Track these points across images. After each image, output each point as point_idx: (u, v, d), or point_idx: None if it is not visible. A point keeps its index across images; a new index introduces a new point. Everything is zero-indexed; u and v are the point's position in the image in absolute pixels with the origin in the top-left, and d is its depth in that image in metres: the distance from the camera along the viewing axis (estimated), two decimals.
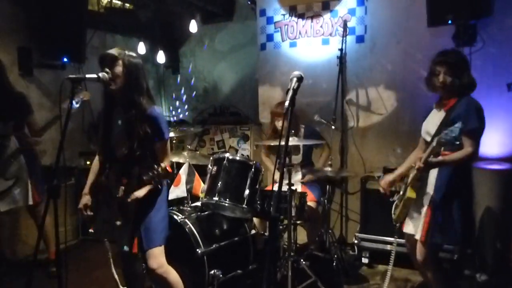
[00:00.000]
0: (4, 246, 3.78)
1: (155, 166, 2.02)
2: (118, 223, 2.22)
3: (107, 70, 2.20)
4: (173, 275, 2.46)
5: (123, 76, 2.25)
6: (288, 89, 1.92)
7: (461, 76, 2.48)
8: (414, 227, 2.62)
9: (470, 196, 2.65)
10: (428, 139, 2.62)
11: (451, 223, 2.47)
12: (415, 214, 2.62)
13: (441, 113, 2.58)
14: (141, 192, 2.23)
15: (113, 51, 2.25)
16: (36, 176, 3.43)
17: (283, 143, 1.90)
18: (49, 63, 4.30)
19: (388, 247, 3.44)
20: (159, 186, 2.23)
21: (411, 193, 2.54)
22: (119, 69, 2.24)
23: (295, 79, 1.95)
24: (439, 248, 2.94)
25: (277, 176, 2.06)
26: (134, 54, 2.33)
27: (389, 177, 2.81)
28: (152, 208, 2.37)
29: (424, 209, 2.54)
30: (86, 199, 2.42)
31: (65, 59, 4.20)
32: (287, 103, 1.87)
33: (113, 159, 2.36)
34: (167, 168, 2.04)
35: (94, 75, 2.18)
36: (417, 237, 2.55)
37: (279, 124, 3.46)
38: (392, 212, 2.84)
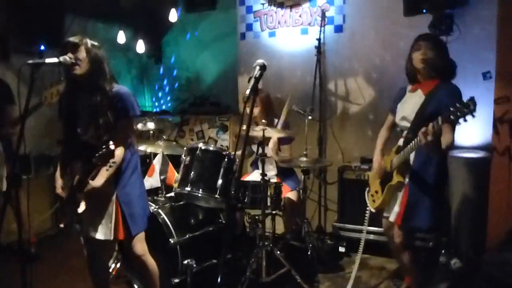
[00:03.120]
0: None
1: (103, 148, 2.02)
2: (81, 209, 2.19)
3: (70, 55, 2.18)
4: (152, 262, 2.53)
5: (86, 61, 2.23)
6: (250, 77, 1.90)
7: (442, 56, 2.50)
8: (390, 210, 2.66)
9: (444, 183, 2.69)
10: (404, 123, 2.63)
11: (426, 207, 2.51)
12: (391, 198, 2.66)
13: (419, 96, 2.56)
14: (98, 181, 2.21)
15: (74, 38, 2.23)
16: (12, 163, 3.40)
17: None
18: (27, 50, 4.21)
19: (371, 236, 3.49)
20: (109, 167, 2.18)
21: (398, 177, 2.57)
22: (82, 54, 2.22)
23: (258, 67, 1.94)
24: (415, 231, 2.99)
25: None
26: (96, 44, 2.31)
27: (378, 160, 2.80)
28: (135, 192, 2.40)
29: (401, 193, 2.57)
30: (60, 182, 2.39)
31: (43, 46, 4.13)
32: (247, 92, 1.86)
33: (78, 146, 2.33)
34: (110, 145, 2.02)
35: (55, 59, 2.14)
36: (392, 219, 2.60)
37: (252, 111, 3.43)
38: (370, 201, 2.85)
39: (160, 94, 5.72)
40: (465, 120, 1.97)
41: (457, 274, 3.26)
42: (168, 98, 5.65)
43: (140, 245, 2.43)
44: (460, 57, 3.46)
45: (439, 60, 2.49)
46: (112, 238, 2.32)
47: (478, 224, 3.33)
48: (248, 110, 3.36)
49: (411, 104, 2.60)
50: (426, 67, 2.51)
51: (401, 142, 2.66)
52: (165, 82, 5.68)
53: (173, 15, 4.67)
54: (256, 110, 3.40)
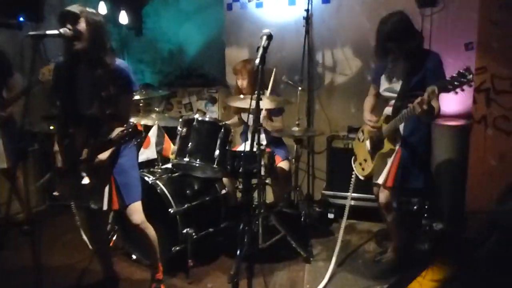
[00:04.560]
0: None
1: (125, 126, 2.02)
2: (86, 181, 2.21)
3: (69, 26, 2.13)
4: (151, 230, 2.58)
5: (86, 34, 2.18)
6: (258, 47, 1.93)
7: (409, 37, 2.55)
8: (378, 175, 2.78)
9: (430, 148, 2.83)
10: (390, 93, 2.71)
11: (419, 170, 2.68)
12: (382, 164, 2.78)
13: (403, 66, 2.63)
14: (104, 155, 2.22)
15: (74, 9, 2.17)
16: (10, 139, 3.34)
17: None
18: (4, 22, 4.04)
19: (352, 202, 3.64)
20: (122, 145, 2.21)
21: (390, 145, 2.69)
22: (82, 26, 2.16)
23: (265, 37, 1.97)
24: (402, 193, 3.13)
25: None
26: (95, 11, 2.26)
27: (370, 117, 2.83)
28: (128, 164, 2.41)
29: (391, 158, 2.70)
30: (61, 155, 2.37)
31: (21, 18, 3.98)
32: (257, 61, 1.89)
33: (78, 120, 2.31)
34: (138, 126, 2.03)
35: (56, 31, 2.09)
36: (380, 181, 2.73)
37: (240, 82, 3.47)
38: (359, 169, 2.97)
39: (141, 67, 5.62)
40: (462, 90, 2.07)
41: (439, 236, 3.48)
42: (150, 70, 5.56)
43: (137, 215, 2.46)
44: (443, 28, 3.62)
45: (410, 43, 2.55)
46: (106, 208, 2.35)
47: (458, 187, 3.53)
48: (239, 81, 3.45)
49: (395, 74, 2.70)
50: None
51: (387, 111, 2.76)
52: (146, 54, 5.57)
53: None
54: (244, 82, 3.43)
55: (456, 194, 3.52)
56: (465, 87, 2.09)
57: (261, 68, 1.92)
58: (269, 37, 1.97)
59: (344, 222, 3.08)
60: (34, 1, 3.94)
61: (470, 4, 3.50)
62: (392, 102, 2.72)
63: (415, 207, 3.57)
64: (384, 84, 2.79)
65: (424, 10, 3.58)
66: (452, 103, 3.66)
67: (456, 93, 2.11)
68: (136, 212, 2.46)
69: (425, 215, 3.67)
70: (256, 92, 1.96)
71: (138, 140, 2.14)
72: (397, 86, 2.67)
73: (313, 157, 4.19)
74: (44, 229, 3.66)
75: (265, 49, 1.93)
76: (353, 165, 3.06)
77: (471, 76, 2.03)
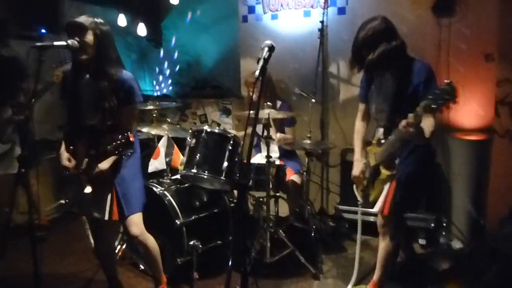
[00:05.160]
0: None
1: (119, 136, 2.01)
2: (88, 190, 2.22)
3: (77, 38, 2.16)
4: (152, 241, 2.56)
5: (93, 46, 2.21)
6: (259, 59, 1.90)
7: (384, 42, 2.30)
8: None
9: (433, 166, 2.59)
10: (380, 112, 2.47)
11: (413, 196, 2.47)
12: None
13: (389, 80, 2.41)
14: (104, 165, 2.23)
15: (82, 20, 2.19)
16: (27, 145, 3.41)
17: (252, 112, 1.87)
18: (26, 34, 4.18)
19: (372, 218, 3.52)
20: (122, 156, 2.20)
21: (386, 172, 2.45)
22: (89, 38, 2.20)
23: (266, 48, 1.94)
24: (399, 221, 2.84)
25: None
26: (102, 21, 2.27)
27: (359, 166, 2.64)
28: (130, 175, 2.40)
29: (388, 183, 2.47)
30: (66, 155, 2.36)
31: (42, 30, 4.12)
32: (257, 73, 1.86)
33: (82, 129, 2.33)
34: (130, 137, 2.02)
35: (63, 42, 2.13)
36: (376, 209, 2.53)
37: (252, 94, 3.44)
38: (363, 195, 2.73)
39: (160, 78, 5.70)
40: (447, 107, 1.90)
41: (458, 255, 3.33)
42: (169, 82, 5.64)
43: (135, 226, 2.43)
44: (462, 39, 3.50)
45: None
46: (107, 218, 2.34)
47: (478, 204, 3.38)
48: (251, 93, 3.42)
49: (382, 89, 2.46)
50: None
51: (379, 132, 2.52)
52: (165, 66, 5.65)
53: None
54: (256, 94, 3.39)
55: (476, 212, 3.37)
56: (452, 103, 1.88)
57: (262, 79, 1.88)
58: (271, 48, 1.94)
59: (359, 239, 2.91)
60: (54, 14, 4.07)
61: (490, 13, 3.39)
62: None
63: (432, 225, 3.42)
64: (373, 99, 2.54)
65: (441, 20, 3.48)
66: (471, 116, 3.53)
67: (441, 112, 1.95)
68: (134, 224, 2.43)
69: (443, 233, 3.53)
70: (257, 102, 1.92)
71: (132, 151, 2.11)
72: (386, 102, 2.42)
73: (327, 170, 4.11)
74: (57, 236, 3.72)
75: (266, 60, 1.90)
76: (355, 192, 2.80)
77: (452, 91, 1.85)
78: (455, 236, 3.48)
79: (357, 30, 2.42)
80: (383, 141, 2.45)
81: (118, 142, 1.99)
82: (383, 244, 2.61)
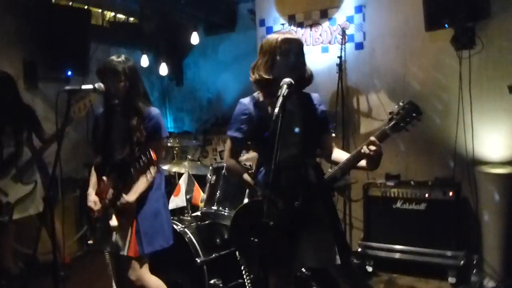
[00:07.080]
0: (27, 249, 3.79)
1: (142, 156, 2.04)
2: (114, 223, 2.22)
3: (107, 83, 2.26)
4: (155, 285, 2.43)
5: (122, 88, 2.30)
6: (278, 96, 1.91)
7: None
8: None
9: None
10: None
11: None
12: None
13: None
14: (131, 196, 2.25)
15: (114, 63, 2.29)
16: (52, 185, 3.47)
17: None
18: (54, 76, 4.37)
19: (397, 255, 3.41)
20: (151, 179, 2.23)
21: None
22: (121, 84, 2.30)
23: (285, 85, 1.94)
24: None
25: None
26: (128, 58, 2.37)
27: None
28: (151, 210, 2.37)
29: None
30: (93, 196, 2.39)
31: (69, 72, 4.28)
32: (276, 110, 1.86)
33: (111, 164, 2.37)
34: (152, 154, 2.04)
35: (91, 86, 2.22)
36: None
37: None
38: None
39: (181, 115, 5.81)
40: (412, 125, 1.86)
41: None
42: (190, 118, 5.73)
43: (132, 271, 2.35)
44: (484, 70, 3.47)
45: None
46: (126, 253, 2.30)
47: (510, 240, 3.23)
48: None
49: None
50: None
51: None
52: (186, 103, 5.77)
53: (194, 38, 4.77)
54: None
55: (509, 248, 3.21)
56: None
57: (282, 117, 1.88)
58: (290, 85, 1.94)
59: None
60: (81, 56, 4.22)
61: (510, 44, 3.36)
62: None
63: (462, 262, 3.28)
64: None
65: (461, 53, 3.46)
66: (496, 148, 3.44)
67: (407, 130, 1.90)
68: (134, 269, 2.35)
69: (474, 270, 3.37)
70: (277, 139, 1.89)
71: (155, 170, 2.13)
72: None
73: (350, 205, 4.03)
74: (78, 275, 3.71)
75: (285, 97, 1.89)
76: None
77: (413, 107, 1.84)
78: (488, 274, 3.31)
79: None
80: None
81: (141, 161, 2.02)
82: None
